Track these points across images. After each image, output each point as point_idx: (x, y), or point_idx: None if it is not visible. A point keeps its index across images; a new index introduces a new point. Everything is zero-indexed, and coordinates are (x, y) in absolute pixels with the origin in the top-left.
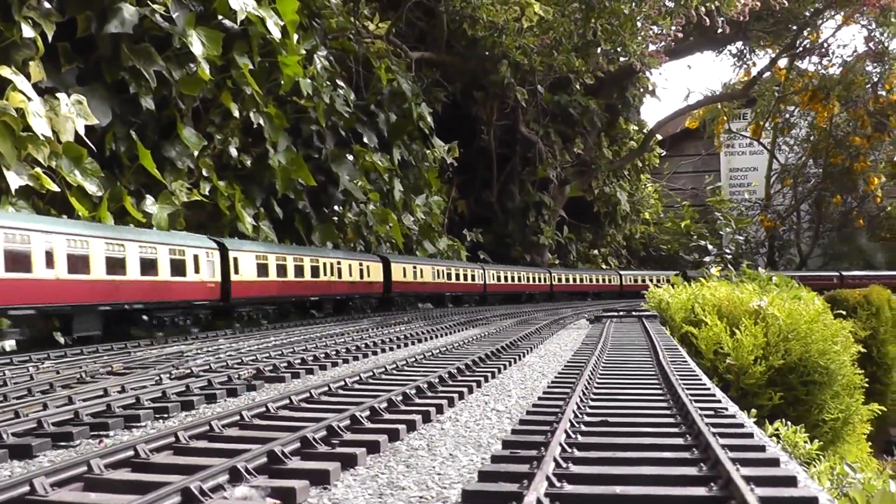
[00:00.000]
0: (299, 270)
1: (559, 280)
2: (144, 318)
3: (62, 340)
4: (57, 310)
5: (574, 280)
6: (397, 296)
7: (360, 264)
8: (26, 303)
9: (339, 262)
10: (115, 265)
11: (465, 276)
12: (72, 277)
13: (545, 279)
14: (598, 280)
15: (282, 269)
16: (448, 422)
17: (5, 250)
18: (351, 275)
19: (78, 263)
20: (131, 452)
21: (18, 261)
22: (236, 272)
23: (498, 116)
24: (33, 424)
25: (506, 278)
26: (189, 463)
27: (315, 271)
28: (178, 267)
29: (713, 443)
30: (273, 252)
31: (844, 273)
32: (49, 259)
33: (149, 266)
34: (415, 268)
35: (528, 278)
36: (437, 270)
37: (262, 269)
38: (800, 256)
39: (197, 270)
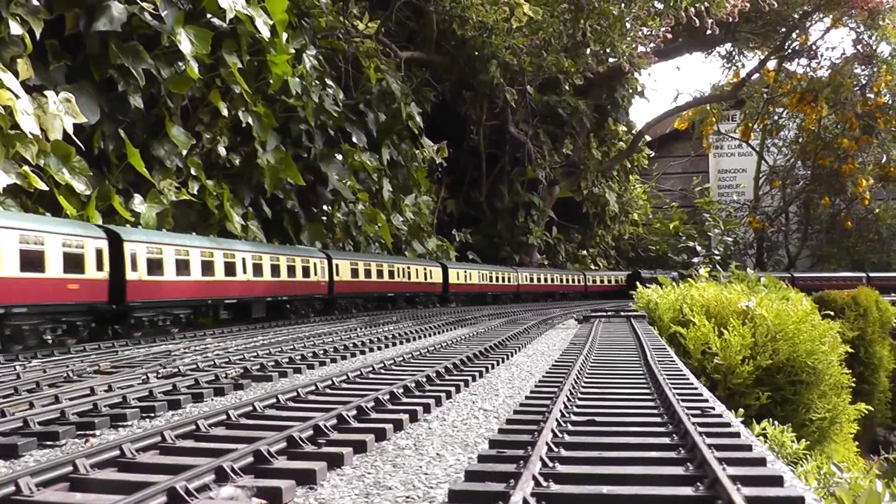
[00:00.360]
0: (380, 273)
1: (594, 281)
2: (287, 306)
3: (49, 339)
4: (246, 300)
5: (608, 281)
6: (452, 295)
7: (425, 269)
8: (232, 295)
9: (408, 267)
10: (275, 271)
11: (503, 278)
12: (254, 279)
13: (579, 280)
14: None
15: (367, 272)
16: (435, 421)
17: (224, 262)
18: (417, 277)
19: (256, 270)
20: (117, 452)
21: (229, 268)
22: (337, 274)
23: (487, 116)
24: (19, 424)
25: (537, 279)
26: (175, 463)
27: (391, 274)
28: (307, 271)
29: (700, 442)
30: (361, 259)
31: (796, 275)
32: (244, 266)
33: (292, 271)
34: (465, 272)
35: (560, 279)
36: (482, 274)
37: (354, 273)
38: (788, 258)
39: (316, 274)
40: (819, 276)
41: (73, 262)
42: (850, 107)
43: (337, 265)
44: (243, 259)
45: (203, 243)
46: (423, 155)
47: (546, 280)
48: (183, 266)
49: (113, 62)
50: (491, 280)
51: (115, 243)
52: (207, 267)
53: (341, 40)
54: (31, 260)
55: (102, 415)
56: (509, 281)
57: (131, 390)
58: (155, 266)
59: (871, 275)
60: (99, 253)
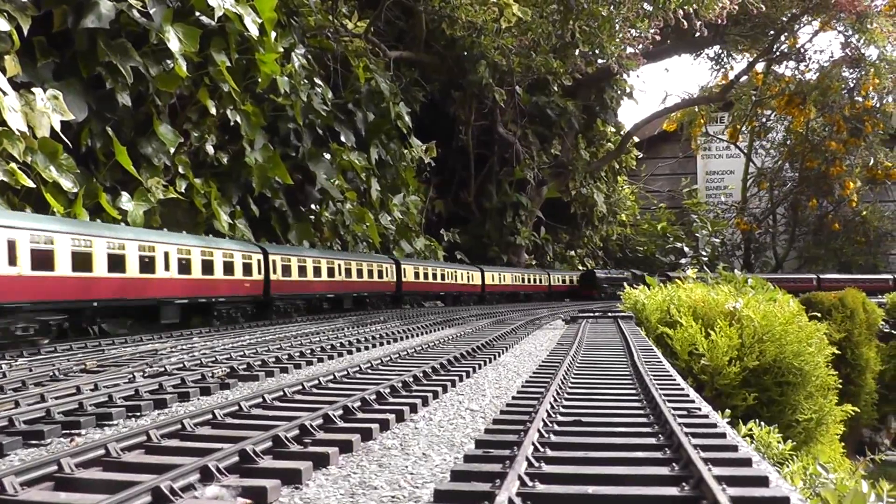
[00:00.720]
0: (434, 276)
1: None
2: (367, 300)
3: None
4: (340, 295)
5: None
6: (488, 294)
7: (467, 272)
8: (332, 291)
9: (455, 271)
10: (359, 273)
11: (535, 280)
12: (346, 279)
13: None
14: None
15: (425, 275)
16: (422, 421)
17: (326, 268)
18: (462, 279)
19: (347, 272)
20: (102, 451)
21: (330, 272)
22: (403, 276)
23: (476, 117)
24: (4, 423)
25: (568, 280)
26: (160, 462)
27: (443, 276)
28: (380, 274)
29: (685, 443)
30: (421, 265)
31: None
32: (339, 270)
33: (370, 273)
34: (500, 274)
35: None
36: (515, 276)
37: (416, 275)
38: (775, 259)
39: (387, 275)
40: (776, 278)
41: (247, 269)
42: (837, 110)
43: (403, 269)
44: (339, 265)
45: (314, 254)
46: (411, 154)
47: (575, 281)
48: (302, 271)
49: (101, 59)
50: (523, 281)
51: (265, 255)
52: (317, 271)
53: (330, 39)
54: (228, 267)
55: (88, 414)
56: (541, 282)
57: (117, 389)
58: (285, 271)
59: (821, 276)
60: (258, 262)
